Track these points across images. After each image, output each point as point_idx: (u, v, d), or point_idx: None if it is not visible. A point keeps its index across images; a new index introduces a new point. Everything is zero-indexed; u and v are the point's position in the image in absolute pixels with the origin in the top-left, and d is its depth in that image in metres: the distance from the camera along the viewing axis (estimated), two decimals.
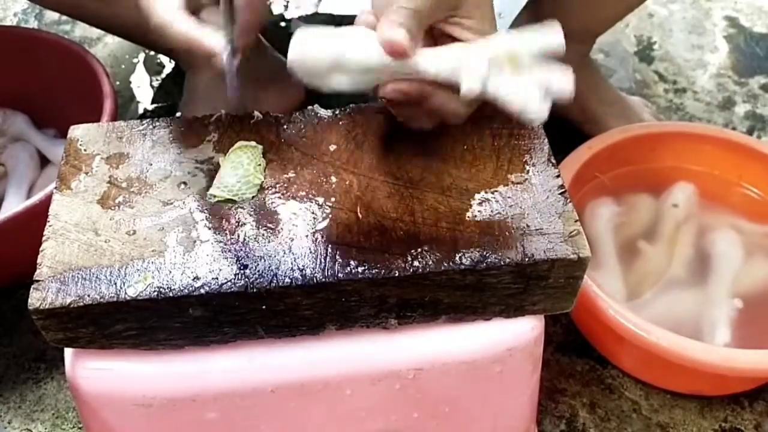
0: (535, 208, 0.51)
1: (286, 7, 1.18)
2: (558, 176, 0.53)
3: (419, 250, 0.48)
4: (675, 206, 0.81)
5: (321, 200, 0.52)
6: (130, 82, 1.08)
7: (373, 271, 0.47)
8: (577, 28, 0.88)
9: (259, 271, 0.47)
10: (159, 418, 0.51)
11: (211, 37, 0.52)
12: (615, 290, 0.74)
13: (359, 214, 0.51)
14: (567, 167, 0.77)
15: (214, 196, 0.52)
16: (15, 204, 0.81)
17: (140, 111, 1.04)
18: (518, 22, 0.95)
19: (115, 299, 0.46)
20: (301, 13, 1.17)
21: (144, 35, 0.93)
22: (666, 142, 0.83)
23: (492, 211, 0.51)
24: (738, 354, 0.64)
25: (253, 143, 0.55)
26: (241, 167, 0.53)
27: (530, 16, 0.92)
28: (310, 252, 0.48)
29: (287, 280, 0.47)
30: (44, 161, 0.90)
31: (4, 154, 0.88)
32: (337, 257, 0.48)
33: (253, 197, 0.52)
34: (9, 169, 0.88)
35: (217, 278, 0.47)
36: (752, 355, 0.64)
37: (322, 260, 0.48)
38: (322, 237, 0.49)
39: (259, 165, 0.54)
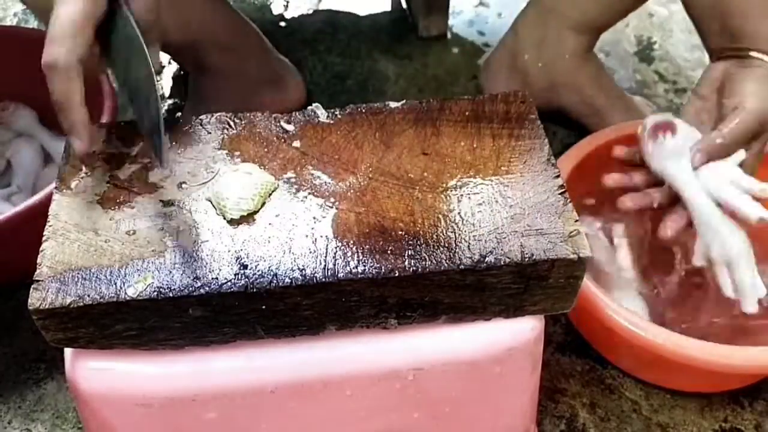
0: (535, 208, 0.51)
1: (286, 7, 1.18)
2: (558, 176, 0.53)
3: (419, 250, 0.48)
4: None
5: (321, 200, 0.52)
6: None
7: (373, 271, 0.47)
8: (580, 20, 0.88)
9: (259, 271, 0.47)
10: (159, 417, 0.51)
11: (84, 132, 0.51)
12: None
13: (359, 214, 0.51)
14: (566, 162, 0.76)
15: (210, 202, 0.52)
16: (23, 200, 0.80)
17: None
18: (521, 20, 0.94)
19: (115, 299, 0.46)
20: (301, 12, 1.17)
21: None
22: None
23: (492, 211, 0.51)
24: (735, 351, 0.64)
25: (272, 179, 0.53)
26: (241, 190, 0.51)
27: (534, 8, 0.92)
28: (310, 252, 0.48)
29: (287, 280, 0.47)
30: (47, 160, 0.90)
31: (9, 148, 0.88)
32: (337, 257, 0.48)
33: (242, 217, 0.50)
34: (14, 164, 0.88)
35: (217, 278, 0.47)
36: (750, 352, 0.64)
37: (322, 260, 0.48)
38: (322, 237, 0.49)
39: (261, 197, 0.51)
